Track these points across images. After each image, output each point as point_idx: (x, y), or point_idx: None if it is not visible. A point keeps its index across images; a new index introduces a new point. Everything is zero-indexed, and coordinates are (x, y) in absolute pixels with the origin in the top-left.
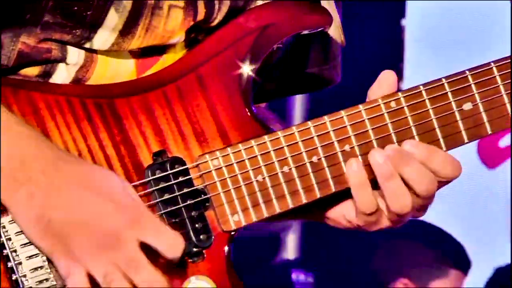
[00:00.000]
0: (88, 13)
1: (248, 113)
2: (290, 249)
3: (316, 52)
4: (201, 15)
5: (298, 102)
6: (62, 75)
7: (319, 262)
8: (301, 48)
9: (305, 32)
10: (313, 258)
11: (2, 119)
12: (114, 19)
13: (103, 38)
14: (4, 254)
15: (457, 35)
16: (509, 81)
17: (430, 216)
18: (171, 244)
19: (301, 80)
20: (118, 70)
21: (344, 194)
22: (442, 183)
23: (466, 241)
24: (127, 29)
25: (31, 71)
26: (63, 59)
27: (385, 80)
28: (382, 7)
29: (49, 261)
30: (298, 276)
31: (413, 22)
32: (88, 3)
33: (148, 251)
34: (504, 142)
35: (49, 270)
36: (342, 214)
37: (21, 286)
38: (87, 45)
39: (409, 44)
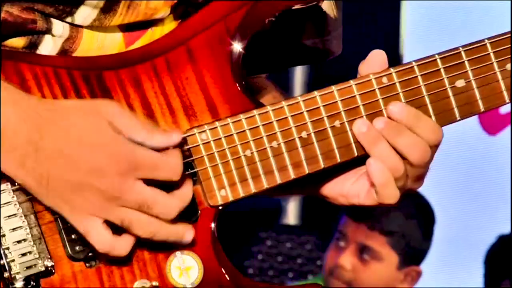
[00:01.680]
0: None
1: (238, 88)
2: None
3: (314, 24)
4: None
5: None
6: (48, 46)
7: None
8: (297, 20)
9: (297, 6)
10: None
11: None
12: None
13: (85, 14)
14: None
15: (456, 32)
16: (503, 58)
17: (427, 186)
18: (170, 173)
19: (298, 52)
20: (106, 42)
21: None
22: (432, 150)
23: (466, 210)
24: (108, 7)
25: (17, 42)
26: (48, 31)
27: (375, 58)
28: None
29: (32, 233)
30: None
31: (411, 19)
32: None
33: None
34: (504, 108)
35: (32, 243)
36: (340, 194)
37: (3, 258)
38: (68, 20)
39: (407, 40)
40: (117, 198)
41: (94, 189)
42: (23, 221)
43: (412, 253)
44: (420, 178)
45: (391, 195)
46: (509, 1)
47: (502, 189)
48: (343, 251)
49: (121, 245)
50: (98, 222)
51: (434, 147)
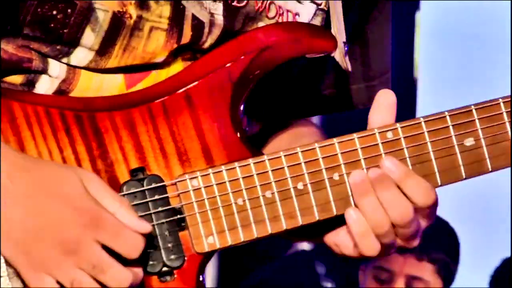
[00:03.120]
0: (65, 30)
1: (237, 135)
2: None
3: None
4: (186, 38)
5: None
6: (45, 85)
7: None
8: (317, 69)
9: (309, 55)
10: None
11: None
12: (90, 38)
13: (81, 55)
14: None
15: (471, 31)
16: None
17: None
18: (128, 247)
19: (319, 101)
20: (104, 83)
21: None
22: (420, 213)
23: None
24: (103, 49)
25: (15, 79)
26: (44, 70)
27: (383, 102)
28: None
29: (8, 271)
30: None
31: (426, 18)
32: (64, 21)
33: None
34: None
35: (8, 281)
36: (334, 243)
37: None
38: (64, 60)
39: (422, 41)
40: (74, 253)
41: (53, 240)
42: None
43: (450, 277)
44: (411, 238)
45: (370, 247)
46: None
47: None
48: (390, 286)
49: None
50: (52, 280)
51: (425, 209)
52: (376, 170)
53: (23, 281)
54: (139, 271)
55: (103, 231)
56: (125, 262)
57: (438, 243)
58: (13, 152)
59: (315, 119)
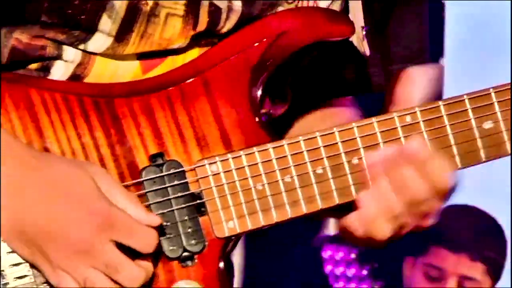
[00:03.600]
0: (82, 17)
1: (255, 120)
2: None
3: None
4: (202, 24)
5: None
6: (60, 70)
7: None
8: (337, 53)
9: (326, 40)
10: None
11: None
12: (107, 24)
13: (99, 42)
14: None
15: (496, 13)
16: None
17: None
18: (143, 242)
19: (340, 84)
20: (120, 68)
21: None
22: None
23: None
24: (121, 36)
25: (30, 66)
26: (59, 56)
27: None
28: None
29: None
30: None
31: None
32: (81, 8)
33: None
34: None
35: (28, 267)
36: (343, 226)
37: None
38: (81, 47)
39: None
40: (87, 253)
41: (66, 241)
42: None
43: (500, 273)
44: (426, 216)
45: (380, 228)
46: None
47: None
48: (441, 284)
49: None
50: (70, 279)
51: (445, 191)
52: (397, 146)
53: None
54: (149, 266)
55: (117, 230)
56: (140, 255)
57: (489, 241)
58: (26, 151)
59: None
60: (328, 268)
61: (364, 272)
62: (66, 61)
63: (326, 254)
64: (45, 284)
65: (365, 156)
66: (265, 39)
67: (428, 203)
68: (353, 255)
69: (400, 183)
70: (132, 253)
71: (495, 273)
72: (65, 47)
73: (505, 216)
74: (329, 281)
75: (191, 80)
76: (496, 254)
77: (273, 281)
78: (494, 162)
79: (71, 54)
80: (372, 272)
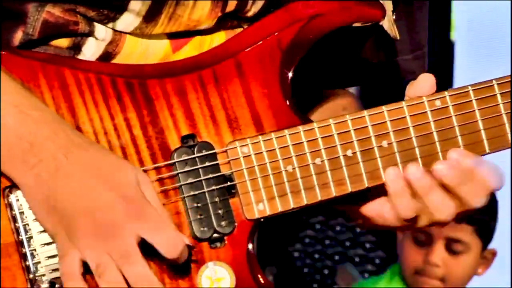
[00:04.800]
0: None
1: (287, 103)
2: None
3: (383, 44)
4: (231, 6)
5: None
6: (91, 48)
7: None
8: (363, 39)
9: (357, 24)
10: None
11: (14, 103)
12: (137, 4)
13: (127, 21)
14: (16, 226)
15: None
16: None
17: None
18: (168, 244)
19: (367, 71)
20: (150, 47)
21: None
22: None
23: None
24: (150, 16)
25: (62, 42)
26: (91, 33)
27: (424, 82)
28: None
29: None
30: None
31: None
32: None
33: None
34: None
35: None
36: (377, 213)
37: (30, 260)
38: (109, 25)
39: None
40: (108, 238)
41: (94, 220)
42: None
43: (489, 235)
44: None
45: (405, 207)
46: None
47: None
48: (429, 248)
49: (76, 286)
50: (77, 256)
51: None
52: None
53: None
54: (157, 283)
55: (146, 224)
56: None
57: None
58: (71, 129)
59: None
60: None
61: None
62: (97, 39)
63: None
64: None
65: (408, 170)
66: (297, 22)
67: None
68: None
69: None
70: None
71: (484, 234)
72: (96, 25)
73: (505, 216)
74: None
75: (224, 62)
76: (484, 215)
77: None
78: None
79: (102, 32)
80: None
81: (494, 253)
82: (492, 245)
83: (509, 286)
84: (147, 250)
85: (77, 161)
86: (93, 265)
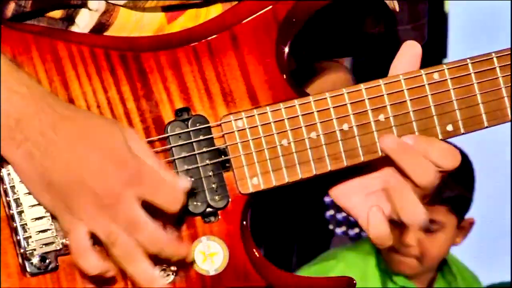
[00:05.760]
0: None
1: (282, 76)
2: None
3: (382, 15)
4: None
5: None
6: (85, 19)
7: None
8: (363, 10)
9: None
10: None
11: (1, 80)
12: None
13: None
14: (7, 200)
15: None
16: None
17: None
18: (169, 201)
19: (365, 41)
20: (145, 17)
21: None
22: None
23: None
24: None
25: (55, 13)
26: (84, 4)
27: (408, 52)
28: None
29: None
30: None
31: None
32: None
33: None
34: None
35: (50, 221)
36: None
37: (20, 234)
38: None
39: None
40: (110, 208)
41: (93, 193)
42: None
43: (464, 207)
44: (424, 198)
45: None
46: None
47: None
48: (404, 229)
49: (93, 260)
50: (84, 228)
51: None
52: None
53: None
54: (172, 230)
55: (143, 185)
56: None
57: (451, 179)
58: (58, 101)
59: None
60: (329, 213)
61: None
62: (90, 9)
63: (328, 198)
64: (67, 238)
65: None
66: None
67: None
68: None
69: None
70: (157, 216)
71: (460, 209)
72: None
73: (505, 215)
74: (331, 225)
75: (218, 34)
76: (459, 191)
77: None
78: (494, 163)
79: (95, 2)
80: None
81: (471, 223)
82: (492, 246)
83: (510, 280)
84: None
85: (65, 134)
86: (103, 235)
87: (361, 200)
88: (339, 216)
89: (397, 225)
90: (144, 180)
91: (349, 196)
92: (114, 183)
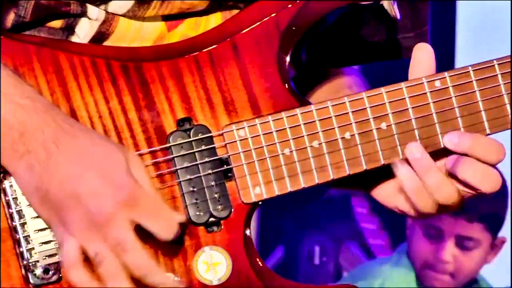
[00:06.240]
0: None
1: (284, 86)
2: None
3: (384, 22)
4: None
5: None
6: (85, 29)
7: None
8: (363, 18)
9: (364, 2)
10: None
11: (5, 92)
12: None
13: (119, 4)
14: (9, 212)
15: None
16: None
17: None
18: (163, 228)
19: (369, 49)
20: (144, 27)
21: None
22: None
23: None
24: (142, 0)
25: (55, 24)
26: (83, 14)
27: (421, 56)
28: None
29: None
30: None
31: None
32: None
33: None
34: None
35: (53, 233)
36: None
37: (23, 245)
38: (101, 7)
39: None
40: (102, 226)
41: (86, 210)
42: None
43: (499, 225)
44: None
45: (425, 205)
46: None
47: None
48: (440, 244)
49: (79, 274)
50: (75, 243)
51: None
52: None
53: None
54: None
55: (139, 209)
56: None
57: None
58: (62, 115)
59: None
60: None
61: (373, 226)
62: (90, 19)
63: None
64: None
65: (408, 149)
66: (295, 3)
67: None
68: (363, 210)
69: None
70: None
71: (495, 228)
72: (89, 5)
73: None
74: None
75: (220, 44)
76: (495, 209)
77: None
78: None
79: (95, 12)
80: (380, 227)
81: (503, 241)
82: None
83: (510, 286)
84: (142, 235)
85: (67, 149)
86: (91, 253)
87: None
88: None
89: (432, 239)
90: (140, 204)
91: (394, 193)
92: (108, 203)
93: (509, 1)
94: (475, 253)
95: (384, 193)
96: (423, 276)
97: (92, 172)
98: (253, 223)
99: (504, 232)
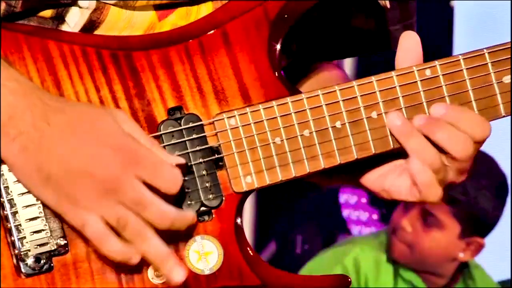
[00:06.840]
0: None
1: (274, 74)
2: None
3: (373, 14)
4: None
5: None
6: (75, 17)
7: None
8: (353, 10)
9: None
10: None
11: None
12: None
13: None
14: (0, 201)
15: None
16: None
17: None
18: (168, 180)
19: (357, 40)
20: (135, 16)
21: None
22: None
23: None
24: None
25: (45, 13)
26: (74, 2)
27: (407, 45)
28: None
29: (45, 212)
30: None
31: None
32: None
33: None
34: None
35: (45, 221)
36: (381, 189)
37: (15, 235)
38: None
39: (458, 26)
40: (115, 192)
41: (93, 179)
42: (37, 199)
43: (478, 224)
44: (463, 172)
45: (434, 194)
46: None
47: None
48: (407, 213)
49: (114, 244)
50: (97, 217)
51: (479, 143)
52: (423, 115)
53: (60, 220)
54: (178, 212)
55: (142, 167)
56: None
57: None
58: (47, 95)
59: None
60: (345, 212)
61: (375, 216)
62: (81, 7)
63: (342, 199)
64: (61, 238)
65: (389, 118)
66: None
67: (470, 158)
68: (364, 200)
69: (444, 141)
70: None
71: (466, 220)
72: None
73: (505, 215)
74: (347, 225)
75: (210, 32)
76: (469, 201)
77: (287, 231)
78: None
79: (86, 1)
80: (381, 217)
81: (481, 244)
82: (492, 246)
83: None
84: None
85: (58, 125)
86: (112, 220)
87: (396, 177)
88: (353, 216)
89: (404, 210)
90: (141, 161)
91: (382, 179)
92: (113, 167)
93: (509, 1)
94: (436, 234)
95: (372, 177)
96: (389, 241)
97: (88, 141)
98: (250, 219)
99: (496, 235)
